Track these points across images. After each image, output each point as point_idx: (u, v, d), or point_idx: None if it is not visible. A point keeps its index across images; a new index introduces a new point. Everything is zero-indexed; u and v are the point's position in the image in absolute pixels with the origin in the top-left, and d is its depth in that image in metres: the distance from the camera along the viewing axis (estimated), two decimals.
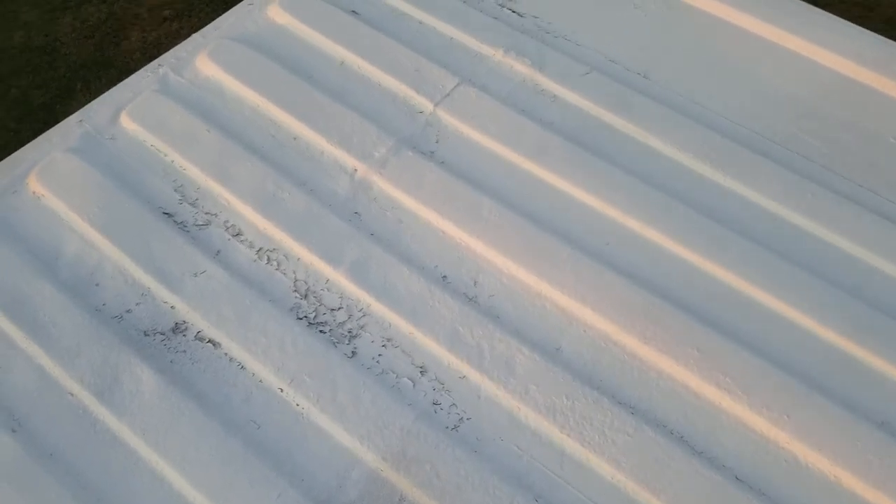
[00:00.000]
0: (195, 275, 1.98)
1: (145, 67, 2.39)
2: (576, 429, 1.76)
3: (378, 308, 1.95)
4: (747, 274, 1.96)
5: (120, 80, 2.39)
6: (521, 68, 2.38)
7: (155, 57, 2.48)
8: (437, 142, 2.26)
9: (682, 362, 1.84)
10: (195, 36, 2.48)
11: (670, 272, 2.00)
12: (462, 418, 1.79)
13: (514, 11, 2.55)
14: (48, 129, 2.26)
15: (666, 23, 2.52)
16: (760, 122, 2.27)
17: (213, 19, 2.54)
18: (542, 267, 2.00)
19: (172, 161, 2.20)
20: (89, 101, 2.31)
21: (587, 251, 2.03)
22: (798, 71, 2.39)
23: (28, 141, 2.23)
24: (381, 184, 2.17)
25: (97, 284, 1.97)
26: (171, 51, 2.43)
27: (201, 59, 2.40)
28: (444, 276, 2.01)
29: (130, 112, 2.28)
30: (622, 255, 2.03)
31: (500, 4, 2.57)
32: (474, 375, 1.84)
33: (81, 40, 6.33)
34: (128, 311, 1.94)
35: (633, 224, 2.08)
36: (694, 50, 2.45)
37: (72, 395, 1.80)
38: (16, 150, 2.22)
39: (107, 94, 2.32)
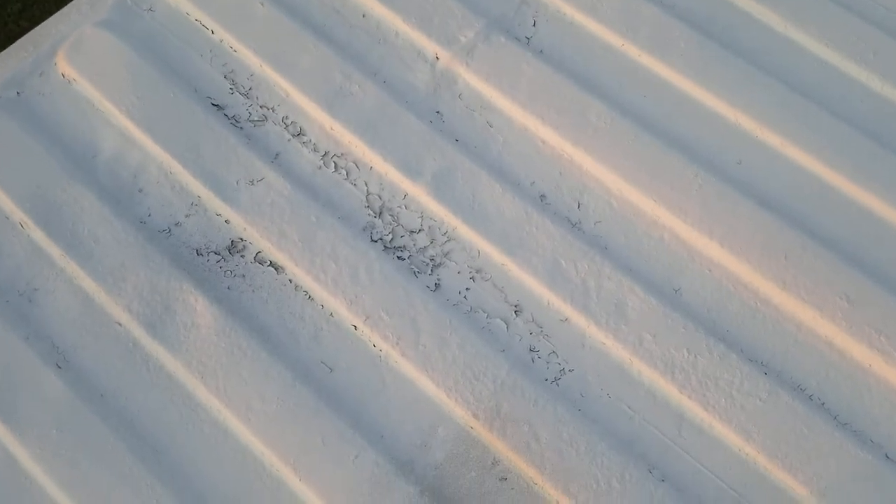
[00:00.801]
0: (251, 182, 1.70)
1: None
2: (698, 389, 1.51)
3: (465, 232, 1.67)
4: None
5: None
6: None
7: None
8: (534, 25, 1.87)
9: (828, 314, 1.56)
10: None
11: (817, 201, 1.67)
12: (563, 370, 1.55)
13: None
14: None
15: None
16: None
17: None
18: (661, 189, 1.67)
19: (221, 41, 1.86)
20: None
21: (716, 171, 1.70)
22: None
23: None
24: (468, 77, 1.82)
25: (140, 190, 1.70)
26: None
27: None
28: (543, 196, 1.71)
29: None
30: (758, 177, 1.70)
31: None
32: (578, 319, 1.58)
33: None
34: (177, 225, 1.67)
35: (773, 139, 1.73)
36: None
37: (120, 324, 1.57)
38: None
39: None
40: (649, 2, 1.86)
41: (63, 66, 1.80)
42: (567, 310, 1.59)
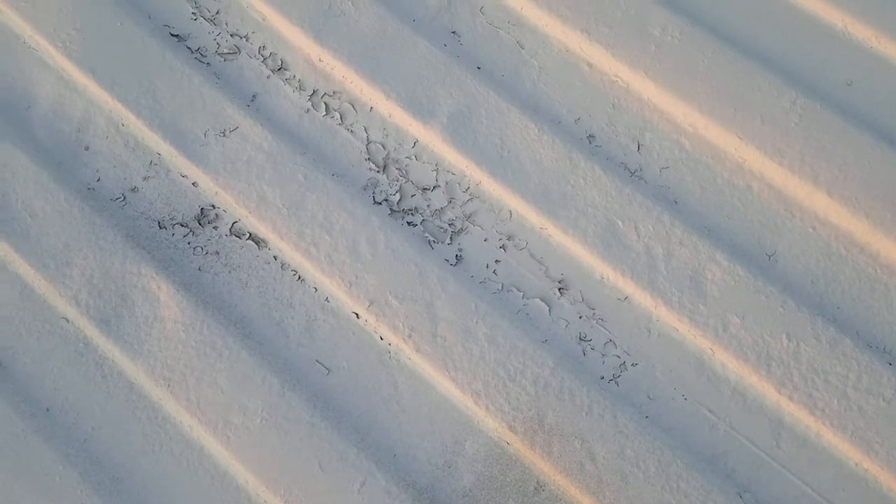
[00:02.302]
0: (223, 133, 1.35)
1: None
2: (801, 387, 1.16)
3: (491, 187, 1.31)
4: None
5: None
6: None
7: None
8: None
9: None
10: None
11: None
12: (624, 364, 1.21)
13: None
14: None
15: None
16: None
17: None
18: (748, 122, 1.29)
19: None
20: None
21: (820, 96, 1.30)
22: None
23: None
24: None
25: (87, 148, 1.36)
26: None
27: None
28: (592, 137, 1.33)
29: None
30: (876, 102, 1.30)
31: None
32: (642, 297, 1.23)
33: None
34: (133, 191, 1.34)
35: (892, 50, 1.31)
36: None
37: (66, 320, 1.26)
38: None
39: None
40: None
41: None
42: (627, 286, 1.23)
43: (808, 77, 1.32)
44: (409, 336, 1.22)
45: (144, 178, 1.34)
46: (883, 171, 1.24)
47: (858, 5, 1.34)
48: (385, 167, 1.34)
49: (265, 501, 1.16)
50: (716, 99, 1.30)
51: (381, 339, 1.23)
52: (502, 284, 1.26)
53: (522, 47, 1.39)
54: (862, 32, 1.33)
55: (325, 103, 1.38)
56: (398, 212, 1.31)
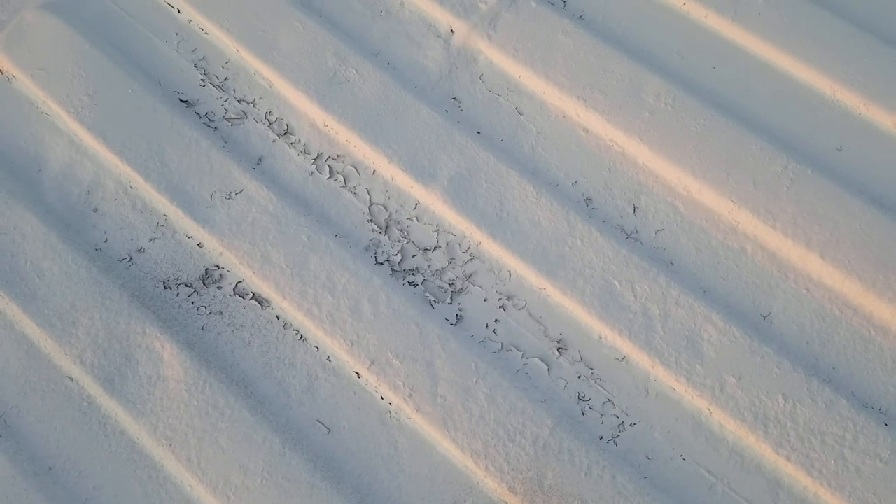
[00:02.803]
0: (229, 196, 1.38)
1: None
2: (799, 448, 1.17)
3: (491, 248, 1.33)
4: None
5: None
6: None
7: None
8: None
9: None
10: None
11: None
12: (623, 424, 1.22)
13: None
14: None
15: None
16: None
17: None
18: (741, 186, 1.32)
19: (190, 21, 1.53)
20: None
21: (811, 161, 1.34)
22: None
23: None
24: (490, 53, 1.47)
25: (95, 210, 1.40)
26: None
27: None
28: (589, 200, 1.37)
29: None
30: (865, 167, 1.34)
31: None
32: (640, 358, 1.25)
33: None
34: (139, 251, 1.36)
35: (881, 117, 1.36)
36: None
37: (71, 379, 1.28)
38: None
39: None
40: None
41: (0, 60, 1.49)
42: (625, 346, 1.25)
43: (799, 142, 1.36)
44: (410, 396, 1.23)
45: (151, 240, 1.37)
46: (874, 233, 1.27)
47: (846, 74, 1.39)
48: (387, 228, 1.37)
49: None
50: (709, 163, 1.34)
51: (382, 398, 1.25)
52: (502, 344, 1.28)
53: (521, 113, 1.44)
54: (850, 100, 1.38)
55: (329, 166, 1.42)
56: (400, 272, 1.33)
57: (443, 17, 1.50)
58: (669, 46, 1.45)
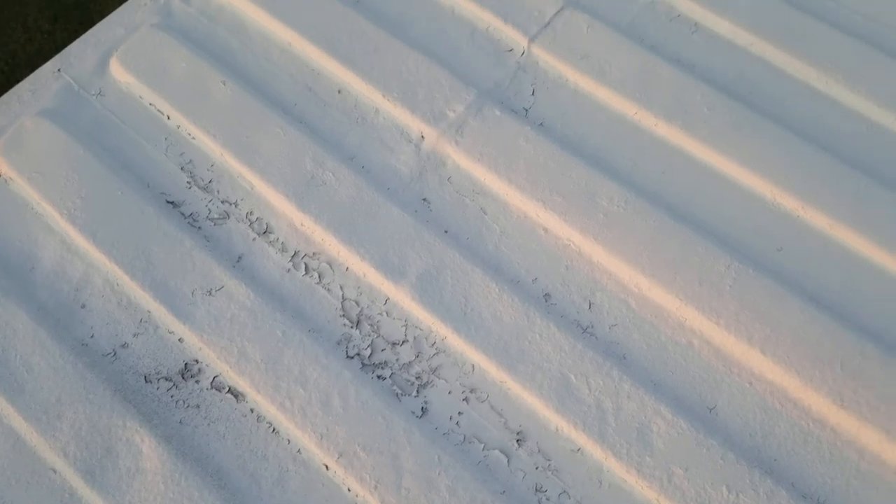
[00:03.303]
0: (209, 292, 1.47)
1: None
2: None
3: (456, 343, 1.42)
4: None
5: None
6: None
7: None
8: (532, 94, 1.64)
9: None
10: None
11: (877, 296, 1.39)
12: None
13: None
14: (84, 31, 1.71)
15: None
16: None
17: None
18: (688, 284, 1.41)
19: (178, 127, 1.65)
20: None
21: (753, 260, 1.43)
22: None
23: (63, 45, 1.68)
24: (458, 157, 1.58)
25: (83, 306, 1.48)
26: None
27: None
28: (548, 296, 1.45)
29: (122, 57, 1.71)
30: (805, 267, 1.43)
31: None
32: (593, 449, 1.32)
33: None
34: (123, 346, 1.44)
35: (818, 219, 1.46)
36: None
37: (54, 471, 1.34)
38: (53, 54, 1.68)
39: (91, 31, 1.75)
40: (666, 62, 1.62)
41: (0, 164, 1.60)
42: (580, 438, 1.32)
43: (741, 243, 1.46)
44: (375, 488, 1.29)
45: (135, 335, 1.45)
46: (811, 330, 1.35)
47: (786, 178, 1.50)
48: (358, 323, 1.45)
49: None
50: (658, 263, 1.43)
51: (349, 490, 1.31)
52: (464, 436, 1.35)
53: (485, 213, 1.54)
54: (789, 203, 1.48)
55: (305, 263, 1.51)
56: (369, 365, 1.41)
57: (414, 125, 1.62)
58: (622, 153, 1.56)
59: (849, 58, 1.59)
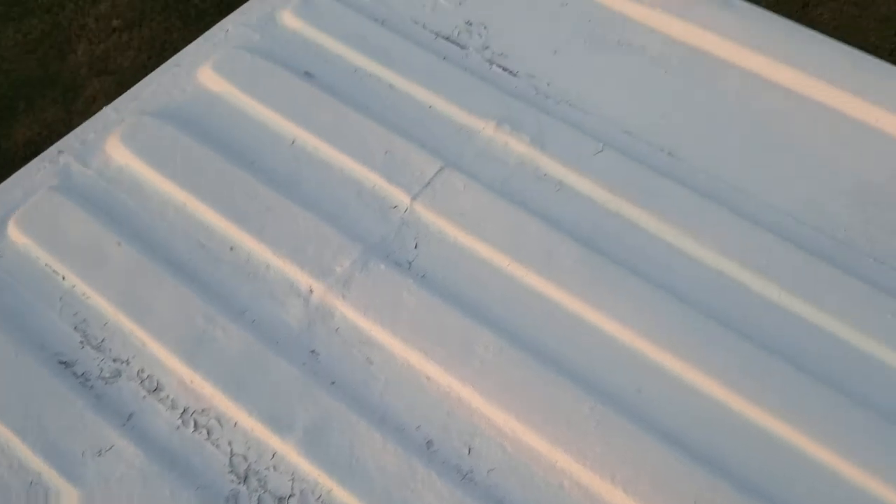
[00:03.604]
0: (99, 453, 1.50)
1: (41, 155, 1.88)
2: None
3: (341, 495, 1.48)
4: (839, 441, 1.50)
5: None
6: (518, 146, 1.89)
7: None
8: (416, 247, 1.77)
9: None
10: (106, 110, 1.97)
11: (725, 434, 1.53)
12: None
13: (505, 69, 2.05)
14: None
15: (692, 82, 2.03)
16: (824, 214, 1.80)
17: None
18: (557, 427, 1.52)
19: (73, 287, 1.71)
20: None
21: (614, 402, 1.56)
22: (868, 144, 1.91)
23: None
24: (345, 309, 1.68)
25: None
26: (76, 131, 1.92)
27: (112, 143, 1.90)
28: (430, 443, 1.54)
29: (20, 219, 1.77)
30: (660, 407, 1.57)
31: (488, 61, 2.07)
32: None
33: (24, 55, 5.77)
34: None
35: (671, 362, 1.61)
36: (731, 118, 1.97)
37: None
38: None
39: None
40: (535, 217, 1.78)
41: None
42: None
43: (604, 386, 1.58)
44: None
45: (24, 500, 1.46)
46: (667, 468, 1.47)
47: (642, 325, 1.64)
48: (246, 478, 1.50)
49: None
50: (530, 408, 1.54)
51: None
52: None
53: (371, 363, 1.63)
54: (646, 347, 1.62)
55: (194, 420, 1.56)
56: None
57: (303, 279, 1.72)
58: (497, 303, 1.69)
59: (694, 212, 1.79)
